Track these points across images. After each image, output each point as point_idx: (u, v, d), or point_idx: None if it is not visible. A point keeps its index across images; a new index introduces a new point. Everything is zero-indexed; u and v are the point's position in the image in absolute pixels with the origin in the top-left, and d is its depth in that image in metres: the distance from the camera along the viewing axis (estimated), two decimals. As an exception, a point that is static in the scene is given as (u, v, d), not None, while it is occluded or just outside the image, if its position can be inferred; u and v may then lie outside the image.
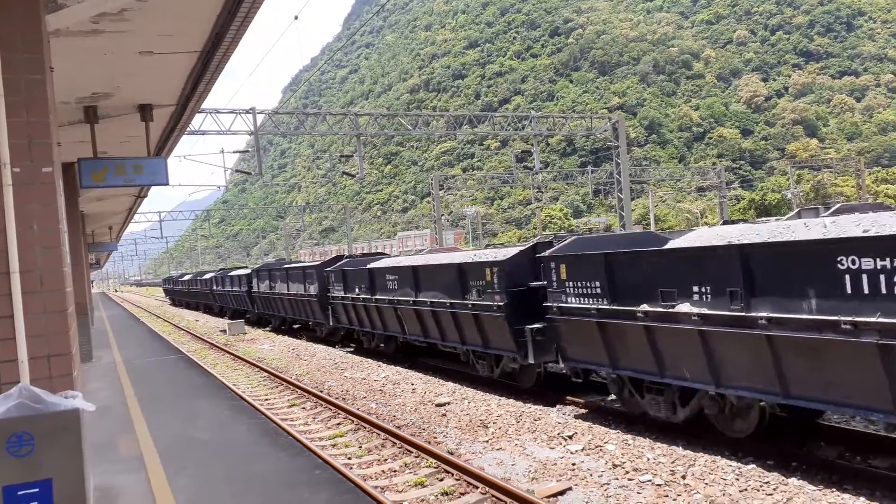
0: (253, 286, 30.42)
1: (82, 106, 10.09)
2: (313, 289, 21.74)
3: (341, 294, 19.36)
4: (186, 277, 54.70)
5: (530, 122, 35.69)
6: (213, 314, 42.62)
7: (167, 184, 10.74)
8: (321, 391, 14.09)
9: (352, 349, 20.54)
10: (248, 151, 36.86)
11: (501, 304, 11.87)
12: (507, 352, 12.33)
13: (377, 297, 16.81)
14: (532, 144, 36.01)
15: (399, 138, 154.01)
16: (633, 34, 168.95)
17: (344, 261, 21.25)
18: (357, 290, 18.10)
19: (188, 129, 15.62)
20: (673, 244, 8.44)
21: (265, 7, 6.84)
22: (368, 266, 17.62)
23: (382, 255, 22.62)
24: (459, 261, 13.49)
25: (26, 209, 5.22)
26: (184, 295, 54.97)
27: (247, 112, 27.37)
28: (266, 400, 13.90)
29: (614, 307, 9.19)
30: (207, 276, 44.00)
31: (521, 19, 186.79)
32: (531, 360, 11.59)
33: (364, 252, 26.51)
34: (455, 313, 13.49)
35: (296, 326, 27.24)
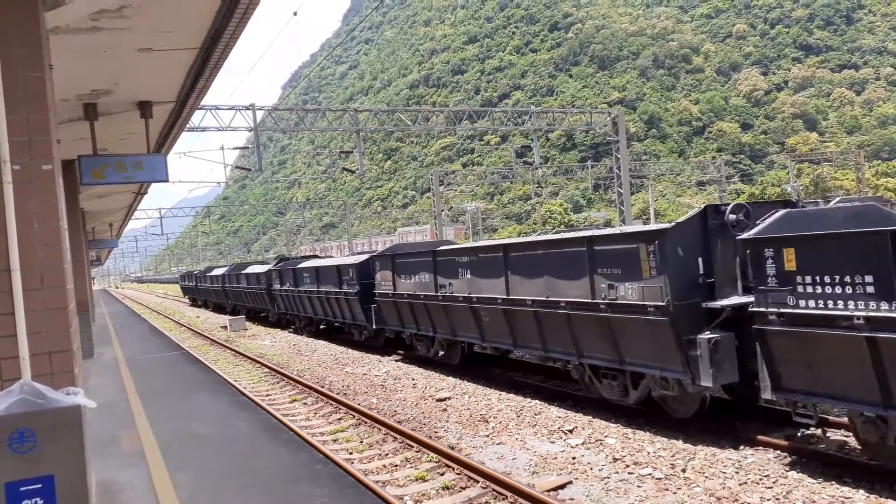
0: (381, 282, 17.26)
1: (82, 103, 10.10)
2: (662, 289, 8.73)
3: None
4: (218, 272, 41.18)
5: (530, 117, 35.67)
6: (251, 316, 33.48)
7: (167, 180, 10.76)
8: (322, 387, 14.12)
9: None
10: (247, 148, 36.92)
11: None
12: None
13: None
14: (532, 139, 36.01)
15: (399, 134, 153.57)
16: (633, 28, 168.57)
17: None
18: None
19: (188, 125, 15.61)
20: None
21: (264, 3, 6.83)
22: None
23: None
24: None
25: (26, 207, 5.23)
26: (213, 295, 42.67)
27: (246, 108, 27.38)
28: (267, 395, 13.93)
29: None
30: (256, 269, 31.79)
31: (520, 14, 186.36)
32: None
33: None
34: None
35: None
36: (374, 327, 18.32)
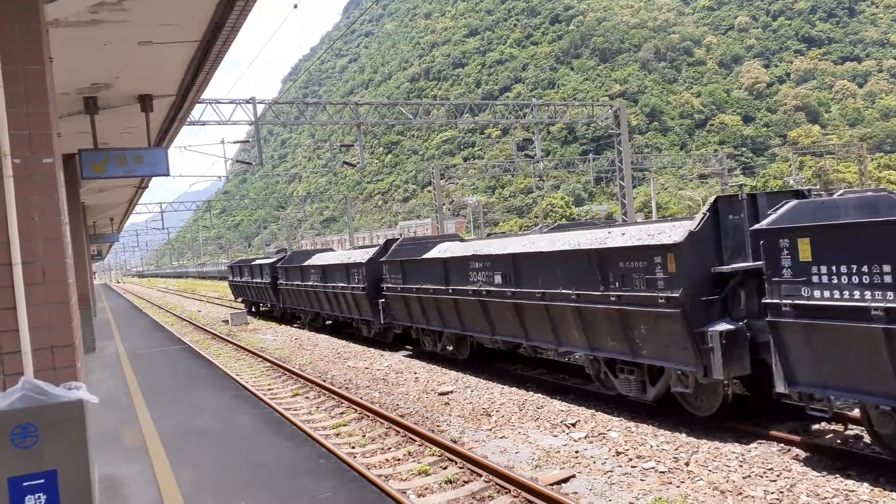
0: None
1: (82, 97, 10.05)
2: None
3: None
4: (339, 256, 21.33)
5: (531, 110, 35.58)
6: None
7: (168, 174, 10.72)
8: (324, 381, 14.12)
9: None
10: (248, 142, 36.85)
11: None
12: None
13: None
14: (533, 133, 35.91)
15: (400, 127, 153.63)
16: (634, 21, 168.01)
17: None
18: None
19: (188, 119, 15.58)
20: None
21: (264, -5, 6.80)
22: None
23: None
24: None
25: (27, 201, 5.20)
26: (327, 304, 21.33)
27: (247, 102, 27.29)
28: (269, 390, 13.94)
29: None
30: (487, 246, 13.25)
31: (521, 6, 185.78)
32: None
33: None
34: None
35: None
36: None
